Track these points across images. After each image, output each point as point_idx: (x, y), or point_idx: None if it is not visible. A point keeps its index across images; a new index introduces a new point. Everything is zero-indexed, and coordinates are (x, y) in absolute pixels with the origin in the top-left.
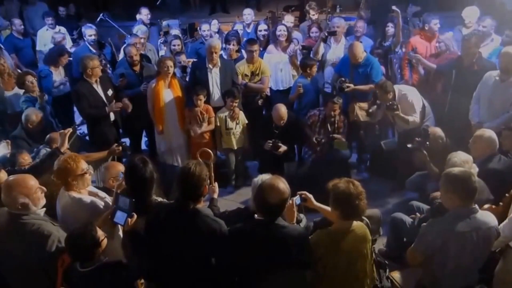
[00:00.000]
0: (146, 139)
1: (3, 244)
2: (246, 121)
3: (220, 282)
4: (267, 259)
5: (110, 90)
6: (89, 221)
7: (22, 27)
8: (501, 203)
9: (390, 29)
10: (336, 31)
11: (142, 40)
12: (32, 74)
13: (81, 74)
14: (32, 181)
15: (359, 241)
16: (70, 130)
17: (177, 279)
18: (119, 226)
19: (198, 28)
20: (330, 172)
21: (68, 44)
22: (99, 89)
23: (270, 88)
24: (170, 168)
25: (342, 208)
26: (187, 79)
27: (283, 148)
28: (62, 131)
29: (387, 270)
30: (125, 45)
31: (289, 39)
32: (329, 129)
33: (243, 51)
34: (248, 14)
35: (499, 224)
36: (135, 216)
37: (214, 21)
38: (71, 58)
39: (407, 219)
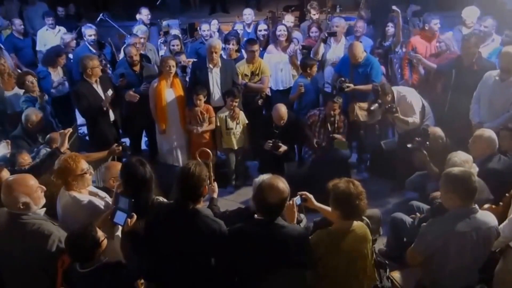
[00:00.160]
0: (146, 139)
1: (3, 245)
2: (247, 121)
3: (220, 282)
4: (267, 258)
5: (110, 90)
6: (89, 222)
7: (22, 27)
8: (501, 203)
9: (390, 29)
10: (336, 32)
11: (142, 40)
12: (32, 74)
13: (81, 74)
14: (32, 181)
15: (360, 241)
16: (70, 130)
17: (177, 279)
18: (118, 226)
19: (198, 28)
20: (330, 172)
21: None
22: (99, 89)
23: (270, 88)
24: (171, 168)
25: (342, 208)
26: (187, 79)
27: (283, 148)
28: (62, 131)
29: (387, 270)
30: (125, 45)
31: (289, 39)
32: (329, 129)
33: (242, 51)
34: (248, 14)
35: (499, 224)
36: (135, 216)
37: (214, 21)
38: (71, 56)
39: (407, 219)
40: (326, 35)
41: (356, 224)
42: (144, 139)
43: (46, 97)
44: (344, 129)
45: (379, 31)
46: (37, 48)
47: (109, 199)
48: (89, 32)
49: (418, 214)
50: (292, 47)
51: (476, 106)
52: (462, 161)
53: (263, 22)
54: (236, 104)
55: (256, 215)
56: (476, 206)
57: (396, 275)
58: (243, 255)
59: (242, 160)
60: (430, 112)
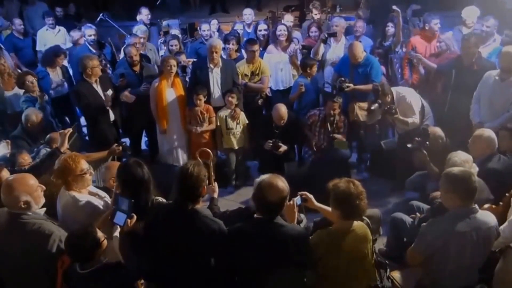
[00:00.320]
0: (146, 139)
1: (3, 245)
2: (247, 121)
3: (219, 282)
4: (266, 258)
5: (110, 90)
6: (89, 222)
7: (22, 27)
8: (501, 203)
9: (390, 28)
10: (336, 33)
11: (142, 40)
12: (32, 74)
13: (80, 74)
14: (32, 180)
15: (360, 241)
16: (70, 130)
17: (177, 279)
18: (117, 227)
19: (198, 28)
20: (330, 172)
21: (68, 44)
22: (98, 89)
23: (270, 88)
24: (171, 168)
25: (343, 208)
26: (187, 79)
27: (283, 148)
28: (62, 131)
29: (388, 270)
30: (125, 45)
31: (289, 39)
32: (329, 128)
33: (242, 51)
34: (249, 14)
35: (499, 224)
36: (135, 217)
37: (214, 21)
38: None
39: (407, 219)
40: (326, 35)
41: (357, 224)
42: (144, 139)
43: (46, 97)
44: (344, 129)
45: (379, 31)
46: (37, 48)
47: (109, 199)
48: (89, 32)
49: (418, 214)
50: (292, 47)
51: (476, 106)
52: (462, 161)
53: (263, 22)
54: (235, 101)
55: (256, 215)
56: (476, 206)
57: (396, 275)
58: (242, 254)
59: (242, 160)
60: (430, 112)
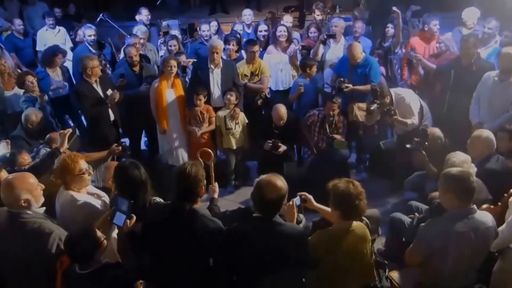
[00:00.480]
0: (146, 139)
1: (3, 244)
2: (246, 121)
3: (218, 282)
4: (264, 256)
5: (110, 90)
6: (88, 222)
7: (22, 27)
8: (499, 203)
9: (390, 30)
10: (335, 34)
11: (141, 41)
12: (32, 74)
13: (80, 74)
14: (32, 178)
15: (359, 241)
16: (70, 130)
17: (176, 279)
18: (114, 227)
19: (198, 28)
20: (329, 172)
21: (68, 44)
22: (98, 89)
23: (270, 89)
24: (171, 169)
25: (342, 208)
26: (187, 79)
27: (282, 148)
28: (62, 131)
29: (387, 270)
30: (125, 45)
31: (289, 40)
32: (328, 129)
33: (242, 51)
34: (248, 14)
35: (497, 224)
36: (134, 217)
37: (213, 23)
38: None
39: (406, 219)
40: (325, 36)
41: (356, 224)
42: (144, 139)
43: (46, 97)
44: (344, 129)
45: (377, 31)
46: (37, 48)
47: (108, 199)
48: (89, 32)
49: (416, 214)
50: (292, 48)
51: (476, 106)
52: (461, 162)
53: (263, 23)
54: (234, 99)
55: (254, 214)
56: (475, 206)
57: (395, 275)
58: (241, 253)
59: (242, 160)
60: (429, 113)
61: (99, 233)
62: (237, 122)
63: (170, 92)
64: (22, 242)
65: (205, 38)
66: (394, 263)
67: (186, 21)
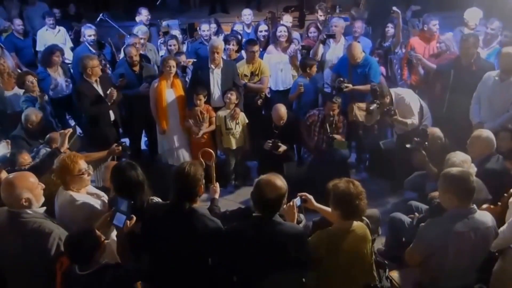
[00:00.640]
0: (146, 139)
1: (4, 244)
2: (247, 121)
3: (218, 282)
4: (264, 256)
5: (110, 90)
6: (87, 222)
7: (21, 27)
8: (499, 203)
9: (390, 29)
10: (334, 34)
11: (142, 41)
12: (32, 74)
13: (80, 74)
14: (32, 177)
15: (360, 241)
16: (70, 130)
17: (175, 279)
18: (113, 228)
19: (198, 28)
20: (329, 172)
21: (68, 44)
22: (99, 89)
23: (270, 88)
24: (171, 169)
25: (343, 208)
26: (187, 79)
27: (282, 147)
28: (62, 131)
29: (387, 269)
30: (125, 45)
31: (290, 40)
32: (328, 129)
33: (242, 51)
34: (248, 14)
35: (497, 224)
36: (134, 218)
37: (213, 25)
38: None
39: (406, 219)
40: (325, 36)
41: (356, 224)
42: (144, 139)
43: (46, 97)
44: (344, 129)
45: (378, 31)
46: (37, 48)
47: (107, 199)
48: (89, 32)
49: (416, 214)
50: (292, 48)
51: (476, 106)
52: (461, 161)
53: (264, 23)
54: (234, 99)
55: (254, 213)
56: (475, 206)
57: (395, 275)
58: (240, 252)
59: (241, 160)
60: (428, 113)
61: (98, 234)
62: (237, 122)
63: (169, 92)
64: (22, 242)
65: (205, 38)
66: (394, 263)
67: (186, 21)
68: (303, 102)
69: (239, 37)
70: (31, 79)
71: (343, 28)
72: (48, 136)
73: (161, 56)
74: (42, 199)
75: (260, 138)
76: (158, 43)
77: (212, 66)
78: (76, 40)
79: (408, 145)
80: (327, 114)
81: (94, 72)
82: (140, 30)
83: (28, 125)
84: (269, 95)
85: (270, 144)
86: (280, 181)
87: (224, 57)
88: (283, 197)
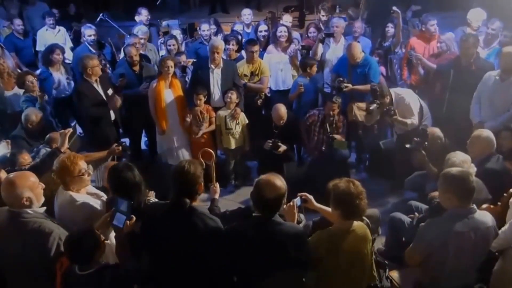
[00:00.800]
0: (146, 139)
1: (4, 244)
2: (247, 121)
3: (218, 282)
4: (264, 256)
5: (110, 89)
6: (87, 222)
7: (21, 27)
8: (499, 203)
9: (390, 29)
10: (333, 33)
11: (142, 41)
12: (32, 74)
13: (81, 74)
14: (33, 177)
15: (360, 241)
16: (70, 130)
17: (175, 279)
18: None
19: (198, 28)
20: (329, 172)
21: (68, 44)
22: (99, 89)
23: (270, 88)
24: (171, 168)
25: (343, 208)
26: (186, 79)
27: (282, 147)
28: (62, 131)
29: (387, 269)
30: (125, 45)
31: (290, 39)
32: (328, 129)
33: (242, 51)
34: (248, 14)
35: (497, 224)
36: (134, 218)
37: (213, 26)
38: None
39: (406, 219)
40: (324, 35)
41: (357, 224)
42: (144, 139)
43: (46, 97)
44: (343, 129)
45: (378, 31)
46: (37, 48)
47: None
48: (89, 32)
49: (416, 214)
50: (292, 47)
51: (477, 106)
52: (461, 161)
53: (264, 23)
54: (235, 98)
55: (254, 213)
56: (474, 206)
57: (395, 274)
58: (240, 252)
59: (241, 160)
60: (428, 113)
61: (98, 234)
62: (237, 122)
63: (168, 92)
64: (23, 242)
65: (205, 38)
66: (394, 263)
67: (186, 21)
68: (303, 102)
69: (239, 37)
70: (31, 79)
71: (344, 28)
72: (48, 136)
73: (161, 56)
74: (43, 199)
75: (260, 138)
76: (158, 43)
77: (212, 66)
78: (76, 40)
79: (408, 145)
80: (327, 114)
81: (94, 72)
82: (140, 30)
83: (28, 125)
84: (269, 95)
85: (270, 144)
86: (279, 181)
87: (224, 57)
88: (283, 197)
